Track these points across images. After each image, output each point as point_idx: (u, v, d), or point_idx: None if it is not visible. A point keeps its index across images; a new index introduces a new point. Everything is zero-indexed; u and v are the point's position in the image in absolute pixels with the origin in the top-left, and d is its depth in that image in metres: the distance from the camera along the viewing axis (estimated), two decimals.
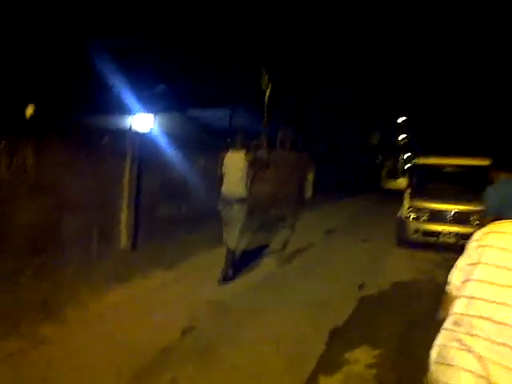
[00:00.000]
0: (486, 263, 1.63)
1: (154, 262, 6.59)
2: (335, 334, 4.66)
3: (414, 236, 8.80)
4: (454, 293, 1.75)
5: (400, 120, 39.93)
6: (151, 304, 5.11)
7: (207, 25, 12.94)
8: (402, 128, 42.96)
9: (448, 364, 1.57)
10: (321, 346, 4.32)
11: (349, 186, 22.80)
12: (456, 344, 1.57)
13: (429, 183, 9.82)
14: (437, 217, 8.55)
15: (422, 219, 8.79)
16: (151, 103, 11.70)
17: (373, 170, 32.54)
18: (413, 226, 8.83)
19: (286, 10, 14.62)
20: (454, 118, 27.42)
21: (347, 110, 22.20)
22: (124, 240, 6.85)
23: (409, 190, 9.63)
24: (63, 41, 9.77)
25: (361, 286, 6.35)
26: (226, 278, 6.06)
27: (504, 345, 1.47)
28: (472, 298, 1.61)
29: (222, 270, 6.11)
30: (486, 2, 20.36)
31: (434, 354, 1.66)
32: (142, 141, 7.25)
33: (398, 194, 9.96)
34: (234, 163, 6.15)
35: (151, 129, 11.67)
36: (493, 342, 1.49)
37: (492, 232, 1.70)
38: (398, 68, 24.85)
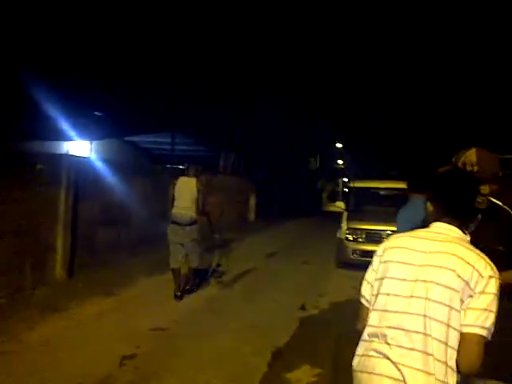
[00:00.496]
0: (391, 277, 1.79)
1: (91, 289, 6.40)
2: (277, 355, 4.71)
3: (353, 257, 9.09)
4: (367, 305, 1.92)
5: (339, 145, 41.30)
6: (89, 333, 4.94)
7: (142, 49, 12.96)
8: (340, 153, 44.41)
9: (370, 372, 1.73)
10: (262, 368, 4.35)
11: (290, 210, 23.16)
12: (375, 353, 1.74)
13: (364, 205, 10.24)
14: (373, 237, 8.87)
15: (359, 240, 9.11)
16: (88, 130, 11.47)
17: (314, 193, 33.26)
18: (351, 246, 9.14)
19: (223, 32, 14.87)
20: (381, 142, 28.76)
21: (287, 135, 22.69)
22: (59, 268, 6.61)
23: (346, 213, 9.97)
24: None
25: (302, 308, 6.45)
26: (179, 296, 6.40)
27: (413, 350, 1.64)
28: (384, 311, 1.77)
29: (177, 289, 6.40)
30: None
31: (355, 363, 1.83)
32: (79, 167, 7.10)
33: (339, 217, 10.26)
34: (186, 188, 6.44)
35: (88, 155, 11.48)
36: (405, 348, 1.66)
37: (391, 248, 1.87)
38: (334, 97, 25.89)
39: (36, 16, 10.33)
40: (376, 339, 1.76)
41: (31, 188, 6.10)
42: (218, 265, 8.55)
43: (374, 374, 1.70)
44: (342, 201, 11.04)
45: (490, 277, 1.64)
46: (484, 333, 1.60)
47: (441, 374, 1.60)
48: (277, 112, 19.30)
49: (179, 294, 6.41)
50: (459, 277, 1.63)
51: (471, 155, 2.39)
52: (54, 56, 10.83)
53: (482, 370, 1.67)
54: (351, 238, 9.23)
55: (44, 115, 9.89)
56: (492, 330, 1.61)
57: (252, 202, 17.92)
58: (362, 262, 8.83)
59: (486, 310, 1.60)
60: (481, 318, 1.60)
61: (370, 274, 1.93)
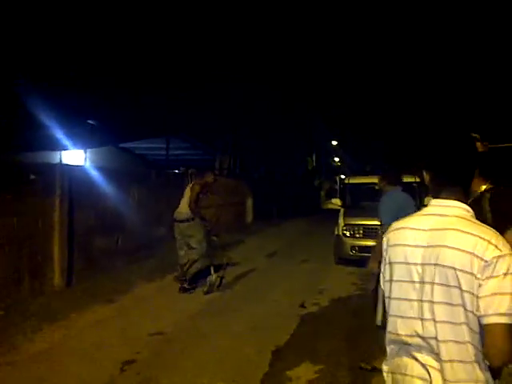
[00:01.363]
0: (394, 262, 1.72)
1: (90, 297, 6.40)
2: (277, 354, 4.71)
3: (351, 253, 9.09)
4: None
5: (334, 143, 41.40)
6: (88, 341, 4.93)
7: (133, 55, 12.95)
8: (336, 151, 44.52)
9: (404, 373, 1.65)
10: (264, 368, 4.35)
11: (288, 210, 23.16)
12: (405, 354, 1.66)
13: (360, 201, 10.24)
14: (370, 232, 8.86)
15: (356, 235, 9.12)
16: (81, 139, 11.46)
17: (311, 192, 33.28)
18: (349, 242, 9.14)
19: (216, 30, 14.88)
20: (373, 137, 28.95)
21: (282, 135, 22.73)
22: (58, 277, 6.60)
23: (343, 209, 9.97)
24: None
25: (301, 306, 6.45)
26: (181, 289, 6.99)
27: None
28: (394, 298, 1.71)
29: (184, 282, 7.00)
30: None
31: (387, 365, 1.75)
32: (73, 176, 7.10)
33: (337, 214, 10.27)
34: (186, 191, 7.19)
35: (83, 164, 11.47)
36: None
37: (390, 231, 1.79)
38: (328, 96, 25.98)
39: (26, 22, 10.30)
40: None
41: (26, 199, 6.09)
42: (218, 266, 8.54)
43: (406, 375, 1.64)
44: (339, 198, 11.04)
45: (496, 257, 1.47)
46: (503, 320, 1.44)
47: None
48: (271, 112, 19.33)
49: (183, 286, 6.98)
50: (461, 270, 1.50)
51: None
52: (43, 65, 10.81)
53: None
54: (348, 234, 9.24)
55: (37, 125, 9.87)
56: None
57: (249, 203, 17.91)
58: (361, 258, 8.86)
59: (495, 294, 1.45)
60: (494, 306, 1.45)
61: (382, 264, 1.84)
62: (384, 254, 1.79)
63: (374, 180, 11.04)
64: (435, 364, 1.56)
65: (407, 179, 9.37)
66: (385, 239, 1.80)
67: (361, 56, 24.25)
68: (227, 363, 4.43)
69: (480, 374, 1.51)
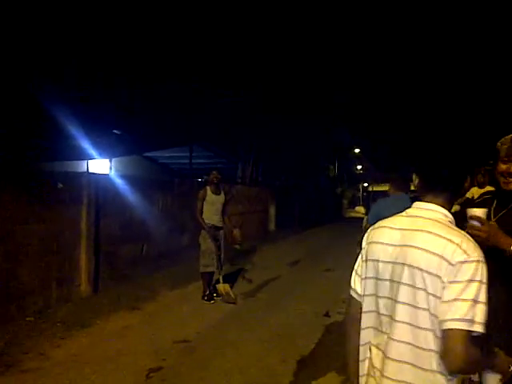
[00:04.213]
0: (369, 260, 1.72)
1: (116, 304, 6.48)
2: (302, 364, 4.68)
3: None
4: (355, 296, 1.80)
5: (356, 150, 41.18)
6: (114, 348, 4.99)
7: (157, 65, 13.14)
8: (358, 158, 44.25)
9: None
10: (289, 377, 4.33)
11: (311, 218, 23.08)
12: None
13: None
14: None
15: None
16: (107, 148, 11.66)
17: (334, 200, 33.10)
18: None
19: (237, 40, 14.98)
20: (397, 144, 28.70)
21: (304, 143, 22.69)
22: (84, 284, 6.70)
23: (366, 217, 9.87)
24: (14, 87, 9.71)
25: (326, 315, 6.40)
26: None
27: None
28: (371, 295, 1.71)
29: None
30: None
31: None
32: (99, 185, 7.22)
33: (360, 222, 10.16)
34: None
35: (108, 173, 11.66)
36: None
37: (371, 229, 1.79)
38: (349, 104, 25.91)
39: (50, 31, 10.56)
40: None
41: (53, 207, 6.21)
42: (241, 275, 8.57)
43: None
44: (362, 206, 10.94)
45: (462, 262, 1.44)
46: (460, 325, 1.40)
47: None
48: (293, 121, 19.32)
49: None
50: (428, 272, 1.48)
51: None
52: (69, 75, 11.05)
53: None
54: None
55: (64, 136, 10.08)
56: (475, 319, 1.40)
57: (272, 211, 17.90)
58: None
59: (456, 299, 1.42)
60: (452, 311, 1.41)
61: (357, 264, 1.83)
62: (363, 251, 1.79)
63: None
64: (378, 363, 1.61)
65: None
66: (365, 236, 1.81)
67: (381, 62, 24.11)
68: (251, 372, 4.42)
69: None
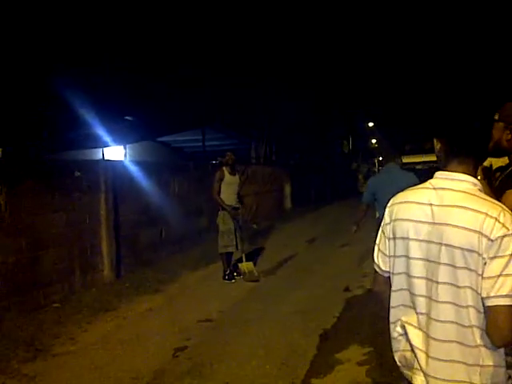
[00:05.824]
0: (398, 237, 1.65)
1: (139, 288, 6.61)
2: (325, 337, 4.75)
3: None
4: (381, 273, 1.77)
5: (370, 124, 40.71)
6: (140, 329, 5.11)
7: (168, 50, 13.10)
8: (373, 132, 43.76)
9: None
10: (312, 351, 4.40)
11: (326, 194, 23.02)
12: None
13: None
14: None
15: None
16: (120, 135, 11.72)
17: (349, 175, 32.91)
18: None
19: (248, 22, 14.86)
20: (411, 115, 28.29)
21: (317, 120, 22.54)
22: (107, 270, 6.83)
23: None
24: (28, 77, 9.78)
25: (346, 290, 6.45)
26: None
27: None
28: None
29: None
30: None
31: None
32: (116, 171, 7.29)
33: None
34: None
35: (123, 159, 11.75)
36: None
37: (395, 204, 1.70)
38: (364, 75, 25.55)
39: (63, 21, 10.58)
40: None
41: (72, 195, 6.31)
42: (262, 253, 8.65)
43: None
44: None
45: (502, 236, 1.41)
46: (505, 301, 1.39)
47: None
48: (305, 98, 19.16)
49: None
50: (468, 250, 1.45)
51: None
52: (81, 62, 11.09)
53: None
54: None
55: (78, 124, 10.17)
56: None
57: (287, 189, 17.89)
58: None
59: (500, 275, 1.40)
60: (497, 287, 1.40)
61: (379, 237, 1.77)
62: (387, 227, 1.71)
63: (414, 159, 10.90)
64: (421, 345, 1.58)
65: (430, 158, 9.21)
66: (388, 212, 1.72)
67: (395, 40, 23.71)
68: (275, 347, 4.50)
69: (487, 357, 1.49)
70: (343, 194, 25.37)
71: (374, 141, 46.95)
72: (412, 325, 1.63)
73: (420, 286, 1.59)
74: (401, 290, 1.66)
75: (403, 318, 1.66)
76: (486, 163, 2.23)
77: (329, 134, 26.67)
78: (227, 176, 7.06)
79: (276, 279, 7.28)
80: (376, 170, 45.21)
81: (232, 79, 14.55)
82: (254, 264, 7.59)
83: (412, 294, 1.62)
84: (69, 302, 5.88)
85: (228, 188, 7.07)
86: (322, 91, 21.26)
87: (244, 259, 7.21)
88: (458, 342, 1.50)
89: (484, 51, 18.88)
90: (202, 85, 13.68)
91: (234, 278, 7.07)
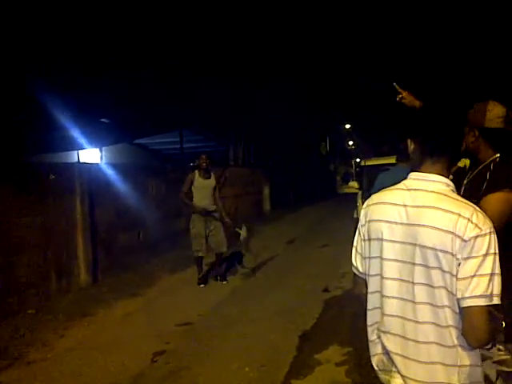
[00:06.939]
0: (373, 239, 1.67)
1: (116, 292, 6.51)
2: (304, 338, 4.75)
3: None
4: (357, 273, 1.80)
5: (347, 126, 41.10)
6: (118, 334, 5.03)
7: (146, 51, 12.98)
8: (349, 133, 44.19)
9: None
10: (292, 352, 4.39)
11: (305, 196, 23.15)
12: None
13: None
14: None
15: None
16: (96, 137, 11.55)
17: (327, 177, 33.20)
18: None
19: (225, 22, 14.80)
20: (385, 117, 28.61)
21: (295, 122, 22.61)
22: (83, 274, 6.72)
23: (360, 192, 9.93)
24: (1, 78, 9.57)
25: (325, 290, 6.47)
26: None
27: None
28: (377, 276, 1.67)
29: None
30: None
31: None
32: (91, 174, 7.18)
33: (354, 197, 10.22)
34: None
35: (99, 162, 11.59)
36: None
37: (370, 205, 1.71)
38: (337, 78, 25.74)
39: (34, 22, 10.38)
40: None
41: (47, 199, 6.19)
42: (239, 256, 8.61)
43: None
44: (356, 181, 10.97)
45: (475, 236, 1.42)
46: (480, 302, 1.40)
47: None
48: (283, 99, 19.21)
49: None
50: (442, 251, 1.46)
51: (493, 109, 2.10)
52: (54, 65, 10.88)
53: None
54: None
55: (53, 127, 9.99)
56: (493, 292, 1.40)
57: (266, 191, 17.91)
58: None
59: (473, 276, 1.41)
60: (471, 288, 1.41)
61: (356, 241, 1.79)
62: (362, 229, 1.73)
63: (392, 161, 10.97)
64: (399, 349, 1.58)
65: None
66: (363, 213, 1.74)
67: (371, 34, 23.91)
68: (255, 349, 4.48)
69: (464, 357, 1.50)
70: (322, 196, 25.57)
71: (350, 142, 47.44)
72: (384, 330, 1.63)
73: (392, 288, 1.59)
74: (376, 292, 1.67)
75: (379, 321, 1.66)
76: (460, 164, 2.25)
77: (306, 135, 26.82)
78: (198, 179, 6.83)
79: (256, 281, 7.27)
80: (353, 171, 45.73)
81: (210, 81, 14.48)
82: (233, 266, 7.56)
83: (382, 296, 1.62)
84: (44, 307, 5.75)
85: (200, 192, 6.84)
86: (300, 93, 21.32)
87: (218, 262, 7.23)
88: (436, 343, 1.51)
89: (459, 52, 19.15)
90: (179, 86, 13.58)
91: (206, 283, 6.98)
